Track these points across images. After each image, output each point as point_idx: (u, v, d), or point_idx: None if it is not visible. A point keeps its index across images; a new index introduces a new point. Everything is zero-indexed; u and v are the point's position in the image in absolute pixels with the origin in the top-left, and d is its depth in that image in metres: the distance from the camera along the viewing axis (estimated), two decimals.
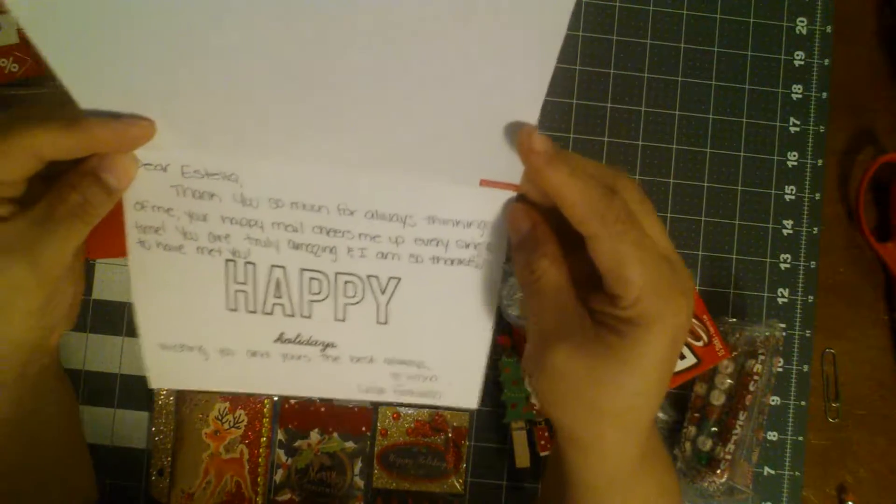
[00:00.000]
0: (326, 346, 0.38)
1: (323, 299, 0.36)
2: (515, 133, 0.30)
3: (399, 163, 0.32)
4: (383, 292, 0.36)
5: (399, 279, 0.36)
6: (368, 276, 0.36)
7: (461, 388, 0.39)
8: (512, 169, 0.32)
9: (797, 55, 0.55)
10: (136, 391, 0.52)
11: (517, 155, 0.30)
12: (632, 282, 0.28)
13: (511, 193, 0.33)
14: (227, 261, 0.35)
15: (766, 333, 0.50)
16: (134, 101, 0.30)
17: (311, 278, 0.36)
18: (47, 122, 0.28)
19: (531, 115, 0.29)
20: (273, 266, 0.36)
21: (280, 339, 0.38)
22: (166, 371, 0.39)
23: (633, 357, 0.28)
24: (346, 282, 0.36)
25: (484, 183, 0.33)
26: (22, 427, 0.34)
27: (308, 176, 0.33)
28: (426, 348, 0.38)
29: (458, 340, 0.37)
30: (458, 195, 0.33)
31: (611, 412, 0.29)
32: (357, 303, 0.36)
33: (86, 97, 0.30)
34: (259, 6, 0.25)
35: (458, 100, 0.29)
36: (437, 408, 0.52)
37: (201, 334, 0.38)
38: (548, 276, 0.30)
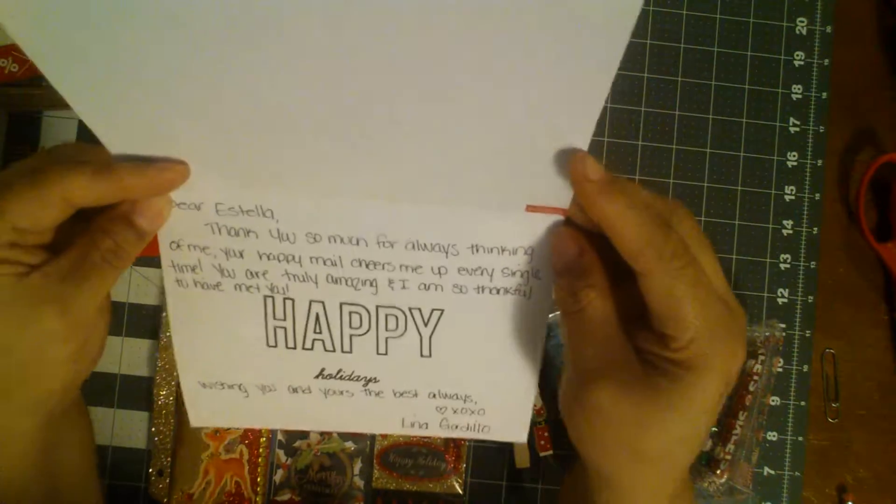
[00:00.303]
0: (368, 381, 0.37)
1: (364, 333, 0.35)
2: (564, 156, 0.28)
3: (440, 191, 0.31)
4: (426, 325, 0.35)
5: (442, 311, 0.34)
6: (410, 309, 0.35)
7: (509, 422, 0.38)
8: (560, 193, 0.30)
9: (797, 55, 0.55)
10: (136, 391, 0.52)
11: (565, 179, 0.29)
12: (687, 323, 0.26)
13: (559, 217, 0.31)
14: (266, 297, 0.35)
15: (766, 333, 0.50)
16: (165, 143, 0.29)
17: (352, 312, 0.35)
18: (78, 169, 0.28)
19: (582, 138, 0.27)
20: (312, 301, 0.35)
21: (321, 374, 0.37)
22: (206, 409, 0.38)
23: (682, 403, 0.27)
24: (388, 315, 0.35)
25: (530, 208, 0.31)
26: (47, 463, 0.34)
27: (346, 209, 0.32)
28: (472, 381, 0.37)
29: (505, 372, 0.36)
30: (503, 221, 0.32)
31: (651, 457, 0.28)
32: (399, 336, 0.35)
33: (116, 143, 0.29)
34: (291, 43, 0.24)
35: (503, 123, 0.27)
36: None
37: (241, 371, 0.37)
38: (594, 306, 0.28)
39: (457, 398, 0.37)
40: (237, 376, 0.37)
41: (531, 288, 0.33)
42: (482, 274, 0.33)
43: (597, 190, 0.27)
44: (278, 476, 0.52)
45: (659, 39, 0.55)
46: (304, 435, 0.51)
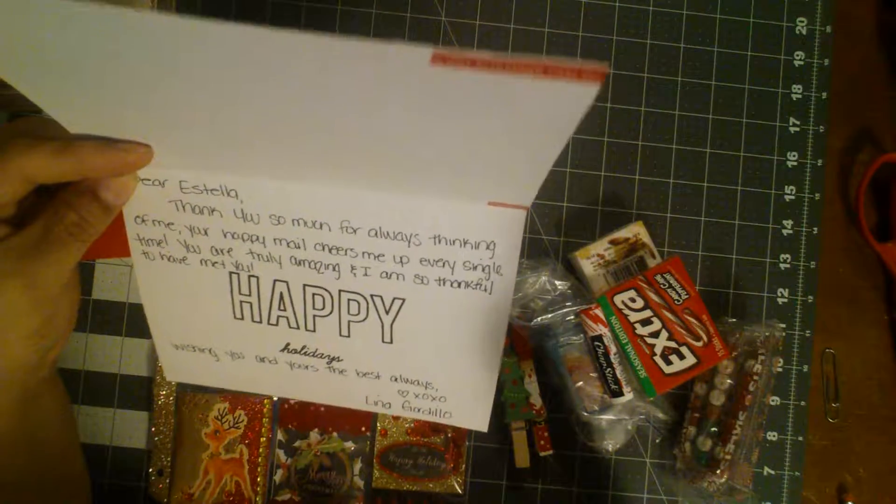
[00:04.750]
0: (332, 359, 0.37)
1: (327, 315, 0.36)
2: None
3: (404, 180, 0.31)
4: (387, 312, 0.35)
5: (403, 300, 0.35)
6: (372, 296, 0.35)
7: (471, 411, 0.38)
8: (522, 193, 0.30)
9: (797, 55, 0.55)
10: (136, 391, 0.52)
11: (528, 182, 0.29)
12: None
13: (521, 213, 0.31)
14: (231, 273, 0.35)
15: (766, 333, 0.50)
16: (125, 126, 0.29)
17: (315, 294, 0.35)
18: (38, 147, 0.27)
19: (547, 160, 0.28)
20: (276, 280, 0.35)
21: (286, 349, 0.37)
22: (180, 367, 0.39)
23: None
24: (350, 300, 0.35)
25: (492, 204, 0.32)
26: (23, 438, 0.34)
27: (309, 193, 0.32)
28: (432, 370, 0.37)
29: (465, 365, 0.36)
30: (465, 214, 0.32)
31: None
32: (361, 321, 0.36)
33: (76, 125, 0.29)
34: (253, 46, 0.24)
35: (476, 139, 0.28)
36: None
37: (210, 339, 0.38)
38: None
39: (418, 384, 0.37)
40: (207, 342, 0.37)
41: (492, 283, 0.34)
42: (444, 266, 0.33)
43: None
44: (278, 476, 0.52)
45: (659, 39, 0.55)
46: (304, 435, 0.51)
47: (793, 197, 0.55)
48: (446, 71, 0.22)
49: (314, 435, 0.52)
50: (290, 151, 0.29)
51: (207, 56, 0.23)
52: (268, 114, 0.27)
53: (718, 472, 0.48)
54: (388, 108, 0.25)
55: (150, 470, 0.51)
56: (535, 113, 0.25)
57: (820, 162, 0.55)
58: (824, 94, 0.55)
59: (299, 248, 0.34)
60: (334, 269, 0.34)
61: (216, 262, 0.35)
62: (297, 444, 0.52)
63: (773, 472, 0.53)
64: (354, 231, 0.33)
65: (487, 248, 0.33)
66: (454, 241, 0.33)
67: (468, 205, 0.32)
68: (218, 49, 0.23)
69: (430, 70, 0.22)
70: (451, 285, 0.34)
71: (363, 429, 0.52)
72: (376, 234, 0.33)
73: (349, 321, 0.36)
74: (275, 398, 0.52)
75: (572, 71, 0.22)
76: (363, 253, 0.34)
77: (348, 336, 0.36)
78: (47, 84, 0.27)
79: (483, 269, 0.33)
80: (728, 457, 0.49)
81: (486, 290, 0.34)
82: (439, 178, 0.30)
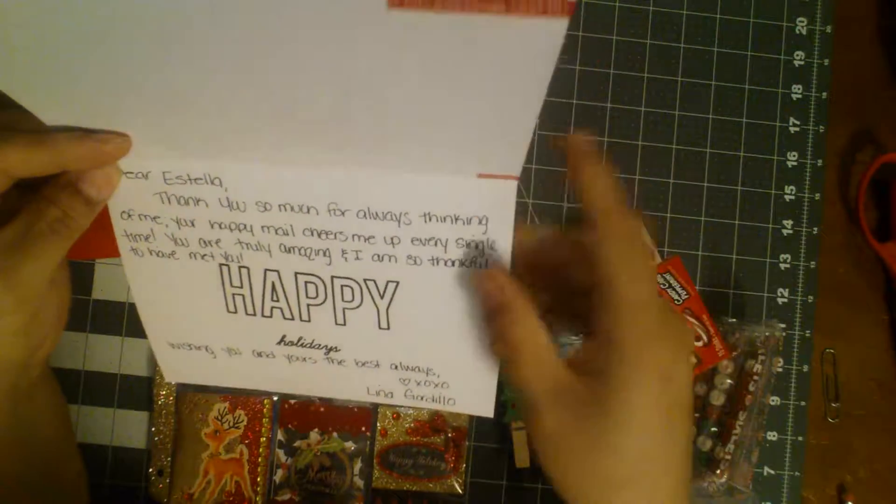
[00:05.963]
0: (330, 349, 0.37)
1: (321, 303, 0.35)
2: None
3: (389, 156, 0.30)
4: (382, 297, 0.35)
5: (398, 283, 0.34)
6: (365, 280, 0.34)
7: (474, 395, 0.37)
8: (510, 162, 0.30)
9: (797, 55, 0.55)
10: (136, 391, 0.52)
11: (514, 148, 0.29)
12: (625, 291, 0.26)
13: (512, 184, 0.31)
14: (221, 265, 0.34)
15: (766, 333, 0.50)
16: (103, 117, 0.28)
17: (307, 282, 0.35)
18: (12, 140, 0.27)
19: (529, 117, 0.28)
20: (267, 270, 0.34)
21: (282, 341, 0.37)
22: (178, 367, 0.38)
23: (619, 405, 0.25)
24: (343, 286, 0.34)
25: (481, 175, 0.31)
26: (16, 438, 0.33)
27: (295, 176, 0.32)
28: (433, 355, 0.36)
29: (466, 347, 0.36)
30: (455, 188, 0.31)
31: (620, 482, 0.26)
32: (356, 308, 0.35)
33: (51, 116, 0.28)
34: (229, 22, 0.23)
35: (451, 97, 0.27)
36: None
37: (205, 335, 0.37)
38: (524, 344, 0.28)
39: (419, 371, 0.37)
40: (202, 339, 0.37)
41: (487, 260, 0.33)
42: (436, 244, 0.33)
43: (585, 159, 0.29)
44: (278, 476, 0.52)
45: (659, 39, 0.55)
46: (304, 435, 0.51)
47: (793, 197, 0.55)
48: (406, 14, 0.22)
49: (314, 435, 0.52)
50: (264, 123, 0.29)
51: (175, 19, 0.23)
52: (236, 78, 0.26)
53: (718, 472, 0.48)
54: (354, 61, 0.25)
55: (150, 470, 0.51)
56: (505, 58, 0.24)
57: (820, 162, 0.55)
58: (824, 94, 0.55)
59: (288, 234, 0.33)
60: (325, 255, 0.34)
61: (205, 255, 0.34)
62: (297, 444, 0.52)
63: (773, 472, 0.53)
64: (343, 213, 0.32)
65: (480, 223, 0.32)
66: (445, 218, 0.32)
67: (457, 178, 0.31)
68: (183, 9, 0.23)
69: (389, 14, 0.22)
70: (445, 264, 0.33)
71: (363, 429, 0.52)
72: (365, 215, 0.32)
73: (344, 308, 0.35)
74: (275, 398, 0.52)
75: (536, 4, 0.22)
76: (353, 236, 0.33)
77: (344, 324, 0.36)
78: (19, 72, 0.26)
79: (476, 246, 0.33)
80: (728, 457, 0.49)
81: (481, 267, 0.33)
82: (423, 145, 0.30)
